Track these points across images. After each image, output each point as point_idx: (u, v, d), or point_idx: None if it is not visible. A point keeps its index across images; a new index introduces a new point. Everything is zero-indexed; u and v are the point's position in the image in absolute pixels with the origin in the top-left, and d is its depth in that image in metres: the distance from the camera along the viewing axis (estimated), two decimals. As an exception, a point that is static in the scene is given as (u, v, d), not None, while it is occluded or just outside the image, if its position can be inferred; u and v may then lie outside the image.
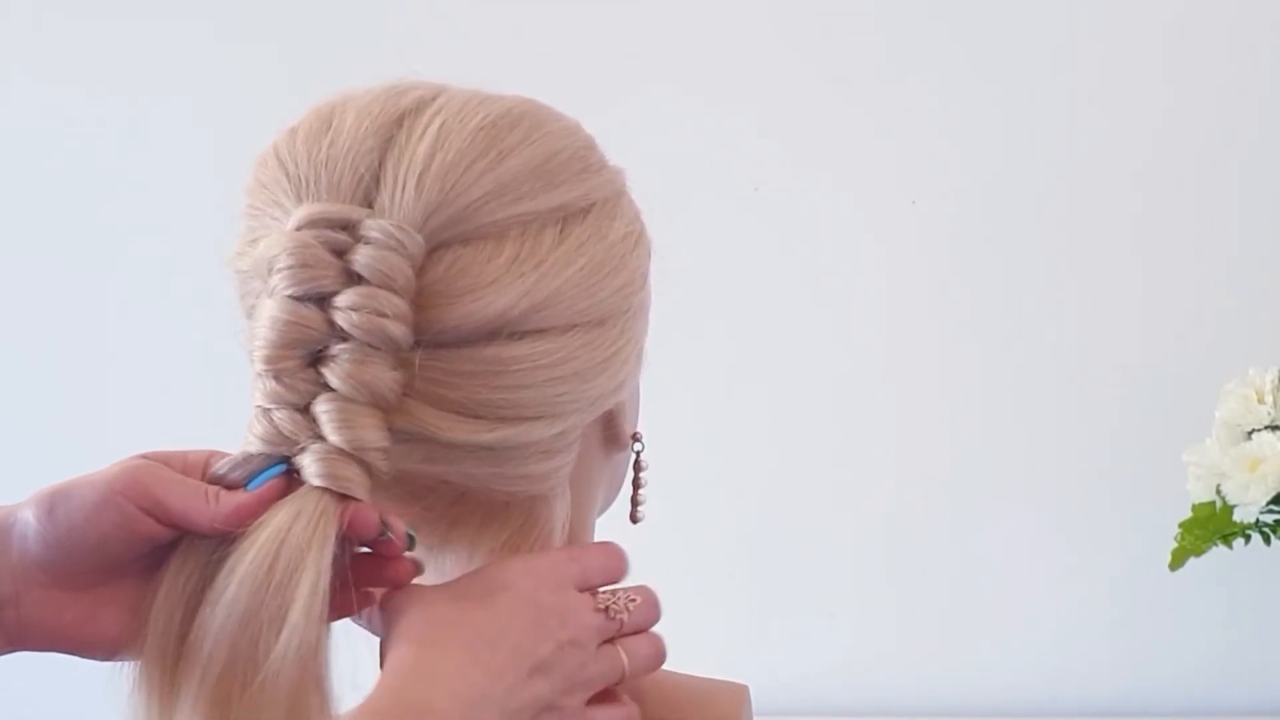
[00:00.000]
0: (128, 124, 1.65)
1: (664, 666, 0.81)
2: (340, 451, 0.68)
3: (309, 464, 0.68)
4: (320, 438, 0.68)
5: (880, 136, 1.57)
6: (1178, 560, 1.37)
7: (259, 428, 0.69)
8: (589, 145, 0.75)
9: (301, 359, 0.68)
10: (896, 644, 1.62)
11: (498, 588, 0.71)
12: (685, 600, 1.62)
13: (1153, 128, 1.55)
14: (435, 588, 0.72)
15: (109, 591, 0.69)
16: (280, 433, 0.68)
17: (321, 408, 0.68)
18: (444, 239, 0.69)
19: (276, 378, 0.68)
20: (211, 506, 0.69)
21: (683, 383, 1.54)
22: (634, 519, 0.83)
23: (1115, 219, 1.56)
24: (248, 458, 0.69)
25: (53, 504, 0.68)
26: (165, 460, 0.70)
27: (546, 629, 0.71)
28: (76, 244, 1.68)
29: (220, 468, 0.70)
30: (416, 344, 0.69)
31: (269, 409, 0.69)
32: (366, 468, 0.68)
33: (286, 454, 0.69)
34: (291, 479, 0.69)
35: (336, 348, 0.68)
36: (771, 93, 1.58)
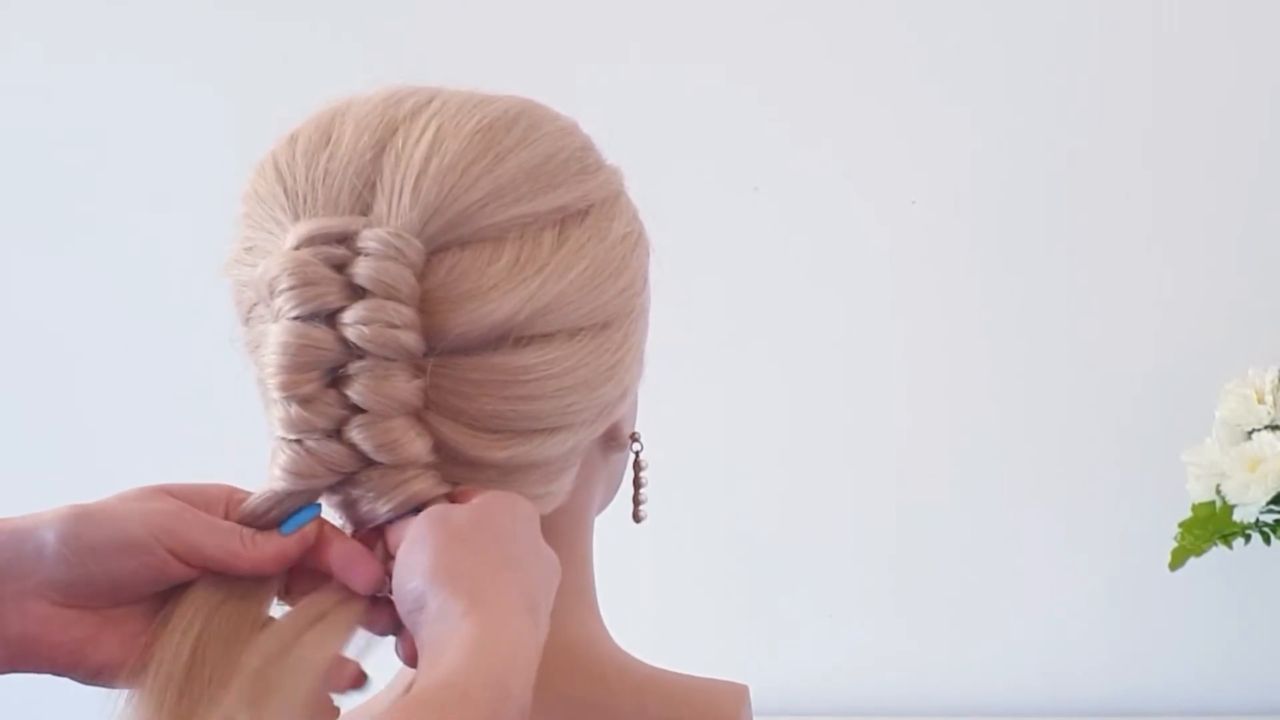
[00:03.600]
0: (114, 122, 1.66)
1: (664, 666, 0.81)
2: (399, 468, 0.68)
3: (378, 493, 0.68)
4: (370, 462, 0.68)
5: (880, 136, 1.57)
6: (1178, 560, 1.37)
7: (287, 459, 0.68)
8: (586, 146, 0.75)
9: (320, 381, 0.67)
10: (896, 644, 1.62)
11: (504, 533, 0.67)
12: (685, 600, 1.62)
13: (1153, 128, 1.55)
14: (434, 526, 0.67)
15: (116, 615, 0.68)
16: (323, 463, 0.67)
17: (358, 434, 0.67)
18: (443, 243, 0.69)
19: (302, 403, 0.67)
20: (249, 551, 0.68)
21: (682, 382, 1.54)
22: (636, 518, 0.83)
23: (1115, 220, 1.56)
24: (277, 497, 0.69)
25: (79, 530, 0.66)
26: (187, 497, 0.69)
27: (552, 574, 0.69)
28: (66, 237, 1.68)
29: (251, 507, 0.69)
30: (427, 352, 0.68)
31: (298, 439, 0.68)
32: (431, 468, 0.68)
33: (325, 484, 0.68)
34: (321, 518, 0.69)
35: (354, 366, 0.67)
36: (771, 93, 1.58)
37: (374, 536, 0.70)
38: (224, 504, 0.70)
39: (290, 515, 0.69)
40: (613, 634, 0.82)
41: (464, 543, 0.66)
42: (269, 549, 0.68)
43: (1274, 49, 1.53)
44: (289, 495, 0.68)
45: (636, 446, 0.80)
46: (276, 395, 0.68)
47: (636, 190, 0.78)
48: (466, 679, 0.60)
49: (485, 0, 1.59)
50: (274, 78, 1.60)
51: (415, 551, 0.66)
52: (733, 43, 1.58)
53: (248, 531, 0.68)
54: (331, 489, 0.69)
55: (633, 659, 0.81)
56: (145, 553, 0.67)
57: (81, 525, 0.66)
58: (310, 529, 0.69)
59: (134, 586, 0.67)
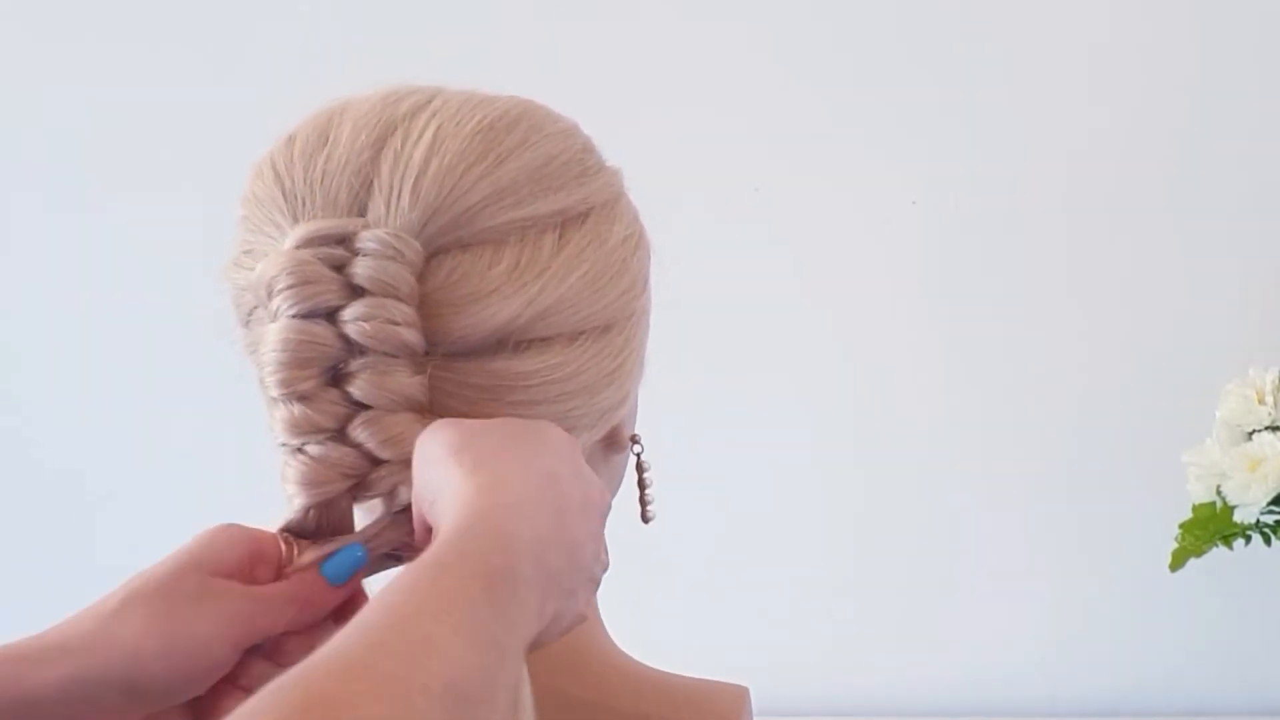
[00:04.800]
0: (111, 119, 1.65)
1: (664, 666, 0.81)
2: (408, 464, 0.66)
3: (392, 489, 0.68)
4: (377, 461, 0.67)
5: (880, 136, 1.57)
6: (1178, 560, 1.37)
7: (296, 472, 0.67)
8: (587, 148, 0.75)
9: (320, 379, 0.67)
10: (897, 644, 1.62)
11: (539, 435, 0.66)
12: (685, 600, 1.62)
13: (1152, 127, 1.55)
14: (469, 422, 0.66)
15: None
16: (332, 468, 0.67)
17: (362, 431, 0.67)
18: (442, 244, 0.69)
19: (302, 401, 0.67)
20: (311, 614, 0.67)
21: (682, 382, 1.54)
22: (645, 519, 0.82)
23: (1115, 219, 1.56)
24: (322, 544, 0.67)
25: (168, 670, 0.64)
26: (231, 567, 0.67)
27: (595, 487, 0.66)
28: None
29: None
30: (428, 353, 0.68)
31: (301, 445, 0.67)
32: None
33: (338, 490, 0.67)
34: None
35: (355, 363, 0.67)
36: (771, 93, 1.58)
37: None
38: (264, 559, 0.68)
39: (328, 557, 0.67)
40: (613, 634, 0.82)
41: (479, 431, 0.65)
42: (328, 604, 0.67)
43: (1274, 49, 1.53)
44: (328, 544, 0.67)
45: (637, 448, 0.80)
46: (277, 393, 0.67)
47: (635, 191, 0.78)
48: (460, 536, 0.58)
49: (485, 10, 1.59)
50: (275, 76, 1.59)
51: (430, 445, 0.65)
52: (733, 42, 1.58)
53: (300, 597, 0.67)
54: (351, 493, 0.68)
55: (633, 659, 0.81)
56: (224, 665, 0.66)
57: (169, 663, 0.64)
58: (359, 574, 0.67)
59: (195, 688, 0.66)
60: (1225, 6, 1.53)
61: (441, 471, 0.63)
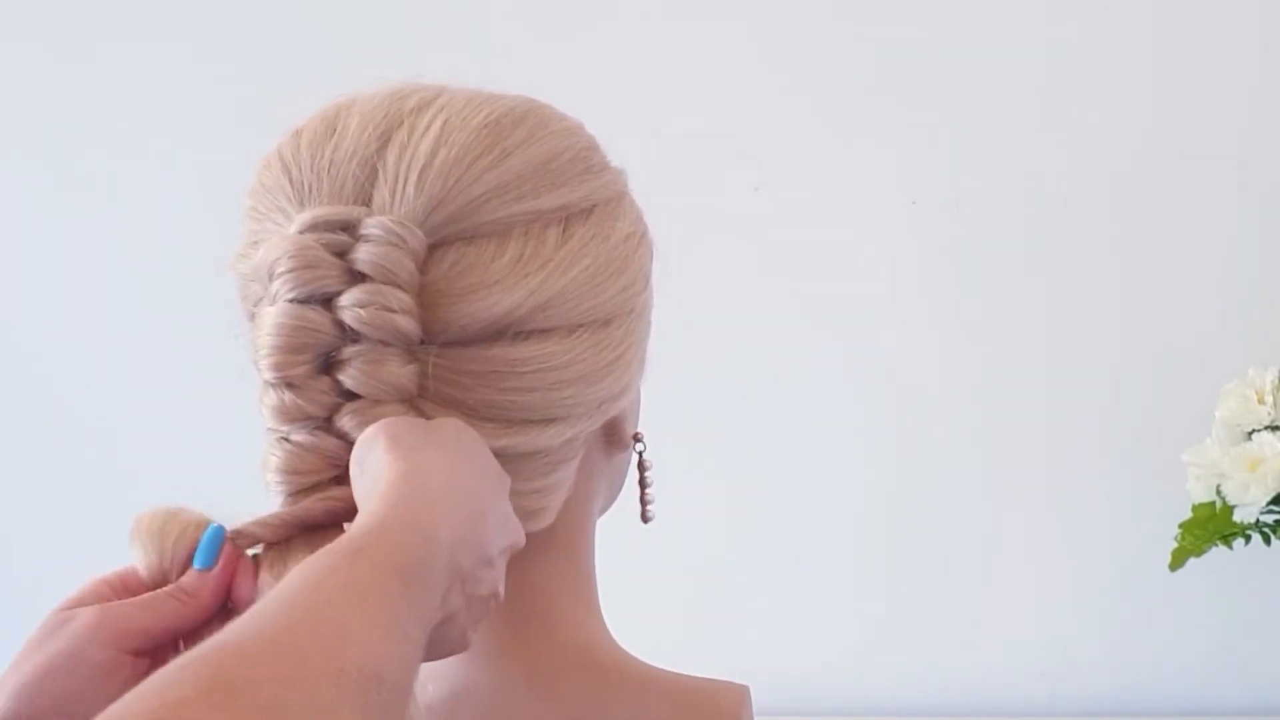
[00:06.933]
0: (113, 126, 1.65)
1: (664, 666, 0.81)
2: None
3: None
4: None
5: (880, 136, 1.57)
6: (1178, 560, 1.37)
7: (279, 460, 0.67)
8: (591, 146, 0.76)
9: (312, 365, 0.67)
10: (896, 644, 1.62)
11: (472, 443, 0.67)
12: (685, 600, 1.62)
13: (1150, 127, 1.55)
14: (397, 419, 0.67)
15: None
16: (317, 458, 0.67)
17: (349, 420, 0.67)
18: (446, 235, 0.69)
19: (292, 388, 0.67)
20: (192, 601, 0.65)
21: (681, 381, 1.54)
22: (645, 519, 0.82)
23: (1115, 218, 1.56)
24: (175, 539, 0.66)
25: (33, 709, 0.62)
26: (93, 598, 0.66)
27: (513, 522, 0.67)
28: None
29: (151, 567, 0.66)
30: (424, 342, 0.68)
31: (288, 432, 0.67)
32: None
33: (321, 479, 0.67)
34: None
35: (348, 350, 0.67)
36: (772, 93, 1.58)
37: None
38: (123, 581, 0.67)
39: (191, 550, 0.66)
40: (613, 634, 0.82)
41: (418, 426, 0.65)
42: (204, 589, 0.65)
43: (1267, 46, 1.53)
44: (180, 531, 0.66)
45: (640, 447, 0.80)
46: (269, 377, 0.67)
47: (634, 190, 0.78)
48: (383, 524, 0.58)
49: (488, 12, 1.59)
50: (275, 74, 1.59)
51: (370, 428, 0.65)
52: (733, 41, 1.58)
53: (175, 588, 0.65)
54: (337, 481, 0.68)
55: (633, 659, 0.81)
56: (110, 672, 0.63)
57: (35, 698, 0.62)
58: (227, 553, 0.66)
59: (91, 709, 0.63)
60: (1225, 10, 1.53)
61: (369, 451, 0.64)
